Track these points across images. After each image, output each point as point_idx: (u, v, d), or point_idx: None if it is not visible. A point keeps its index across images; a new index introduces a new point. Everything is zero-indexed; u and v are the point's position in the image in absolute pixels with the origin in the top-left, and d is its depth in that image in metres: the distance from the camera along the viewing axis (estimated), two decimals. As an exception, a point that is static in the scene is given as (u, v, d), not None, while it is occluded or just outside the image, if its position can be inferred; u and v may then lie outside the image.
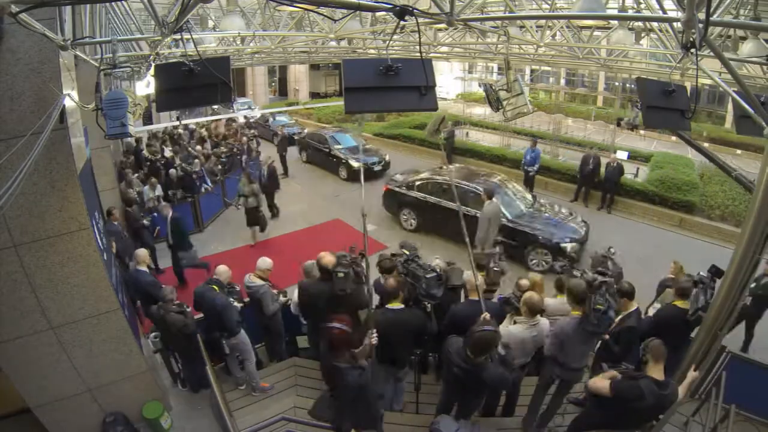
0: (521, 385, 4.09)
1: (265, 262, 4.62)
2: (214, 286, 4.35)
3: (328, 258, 3.87)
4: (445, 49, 9.59)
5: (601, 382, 3.01)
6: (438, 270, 3.90)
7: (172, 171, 9.46)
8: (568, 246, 7.48)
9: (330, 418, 3.21)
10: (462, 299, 4.15)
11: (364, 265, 3.92)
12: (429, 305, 3.69)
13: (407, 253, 4.09)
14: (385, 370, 3.84)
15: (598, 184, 10.51)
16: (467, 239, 3.70)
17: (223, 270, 4.59)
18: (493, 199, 7.32)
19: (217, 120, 16.27)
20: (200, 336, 4.37)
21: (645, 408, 2.88)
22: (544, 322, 3.70)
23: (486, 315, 3.20)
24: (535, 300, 3.57)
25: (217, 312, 4.18)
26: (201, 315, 4.47)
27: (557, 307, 4.04)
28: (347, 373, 2.93)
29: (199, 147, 11.99)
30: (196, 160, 10.60)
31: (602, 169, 10.42)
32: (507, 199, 8.45)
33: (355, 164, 12.39)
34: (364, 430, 3.23)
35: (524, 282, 4.09)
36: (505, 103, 7.29)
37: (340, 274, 3.71)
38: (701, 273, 4.16)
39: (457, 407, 3.57)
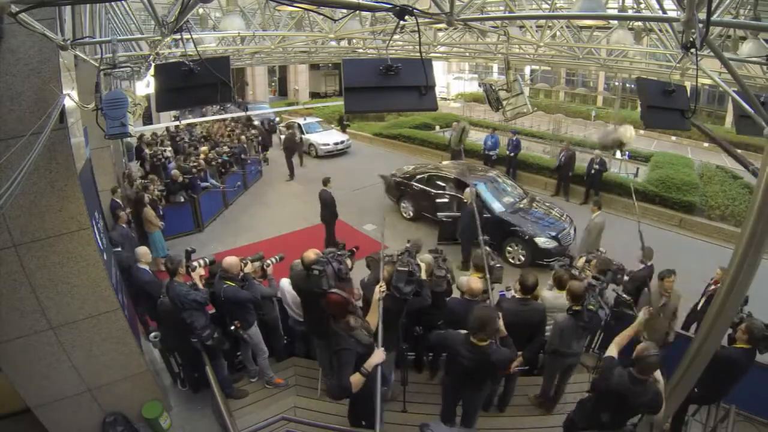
0: (516, 384, 4.25)
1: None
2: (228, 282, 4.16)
3: (309, 256, 3.85)
4: (444, 49, 9.59)
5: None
6: (408, 267, 3.75)
7: (175, 172, 9.30)
8: (543, 241, 7.58)
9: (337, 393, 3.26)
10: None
11: (349, 262, 4.04)
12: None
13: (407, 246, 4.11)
14: None
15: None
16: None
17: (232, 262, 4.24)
18: (602, 211, 7.04)
19: (218, 120, 16.30)
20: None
21: (611, 390, 2.91)
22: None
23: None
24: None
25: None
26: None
27: (553, 301, 4.16)
28: (342, 339, 3.03)
29: (204, 148, 11.95)
30: (196, 160, 10.59)
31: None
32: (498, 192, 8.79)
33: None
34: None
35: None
36: (504, 102, 7.30)
37: (315, 272, 3.72)
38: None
39: (462, 409, 3.61)
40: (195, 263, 4.11)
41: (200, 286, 4.06)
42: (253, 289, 4.18)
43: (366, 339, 3.13)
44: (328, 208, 8.21)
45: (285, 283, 4.56)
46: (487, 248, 4.64)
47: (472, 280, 4.00)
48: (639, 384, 2.80)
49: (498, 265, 4.13)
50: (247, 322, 4.28)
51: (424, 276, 3.93)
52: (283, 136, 14.48)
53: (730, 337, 3.96)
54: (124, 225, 6.41)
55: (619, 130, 5.99)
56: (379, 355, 2.99)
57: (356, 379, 2.91)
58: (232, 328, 4.21)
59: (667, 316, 4.54)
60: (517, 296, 3.89)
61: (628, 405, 2.87)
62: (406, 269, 3.63)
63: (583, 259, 4.81)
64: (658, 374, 2.95)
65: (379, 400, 2.86)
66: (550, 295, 4.25)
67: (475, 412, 3.66)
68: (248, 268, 4.25)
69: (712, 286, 5.14)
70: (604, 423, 3.04)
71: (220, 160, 11.17)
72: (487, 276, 3.84)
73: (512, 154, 12.05)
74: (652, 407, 2.89)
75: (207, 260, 4.27)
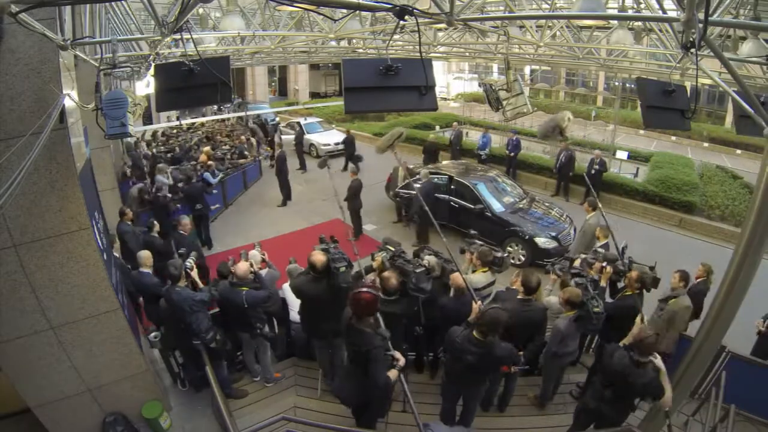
0: (516, 384, 4.27)
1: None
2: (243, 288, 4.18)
3: (318, 257, 3.87)
4: (444, 49, 9.59)
5: None
6: (427, 265, 4.02)
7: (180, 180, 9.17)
8: (543, 241, 7.56)
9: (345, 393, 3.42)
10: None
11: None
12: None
13: (392, 249, 4.14)
14: None
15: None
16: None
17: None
18: (596, 212, 6.44)
19: (218, 120, 16.31)
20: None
21: (612, 370, 3.13)
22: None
23: (480, 305, 3.46)
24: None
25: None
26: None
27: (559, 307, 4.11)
28: (372, 337, 3.08)
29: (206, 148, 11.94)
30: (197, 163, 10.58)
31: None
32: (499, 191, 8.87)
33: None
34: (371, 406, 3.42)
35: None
36: (504, 102, 7.30)
37: (342, 269, 3.77)
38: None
39: (463, 406, 3.65)
40: (187, 263, 4.16)
41: (201, 285, 4.08)
42: (265, 285, 4.33)
43: (387, 333, 3.23)
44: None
45: (287, 287, 4.58)
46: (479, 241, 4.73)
47: (475, 277, 4.05)
48: (639, 365, 3.01)
49: (504, 255, 4.43)
50: (262, 320, 4.35)
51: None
52: (285, 137, 14.78)
53: (611, 283, 4.57)
54: (128, 222, 6.40)
55: (557, 116, 5.92)
56: (397, 353, 3.21)
57: (394, 374, 3.13)
58: (259, 332, 4.30)
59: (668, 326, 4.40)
60: (519, 296, 3.89)
61: (629, 385, 3.04)
62: (423, 268, 3.85)
63: (578, 261, 4.77)
64: (659, 362, 3.11)
65: (410, 396, 3.22)
66: (556, 301, 4.18)
67: (475, 408, 3.71)
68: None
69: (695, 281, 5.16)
70: (609, 399, 3.21)
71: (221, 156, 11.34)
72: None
73: (512, 154, 12.05)
74: (653, 392, 3.04)
75: (194, 257, 4.43)
